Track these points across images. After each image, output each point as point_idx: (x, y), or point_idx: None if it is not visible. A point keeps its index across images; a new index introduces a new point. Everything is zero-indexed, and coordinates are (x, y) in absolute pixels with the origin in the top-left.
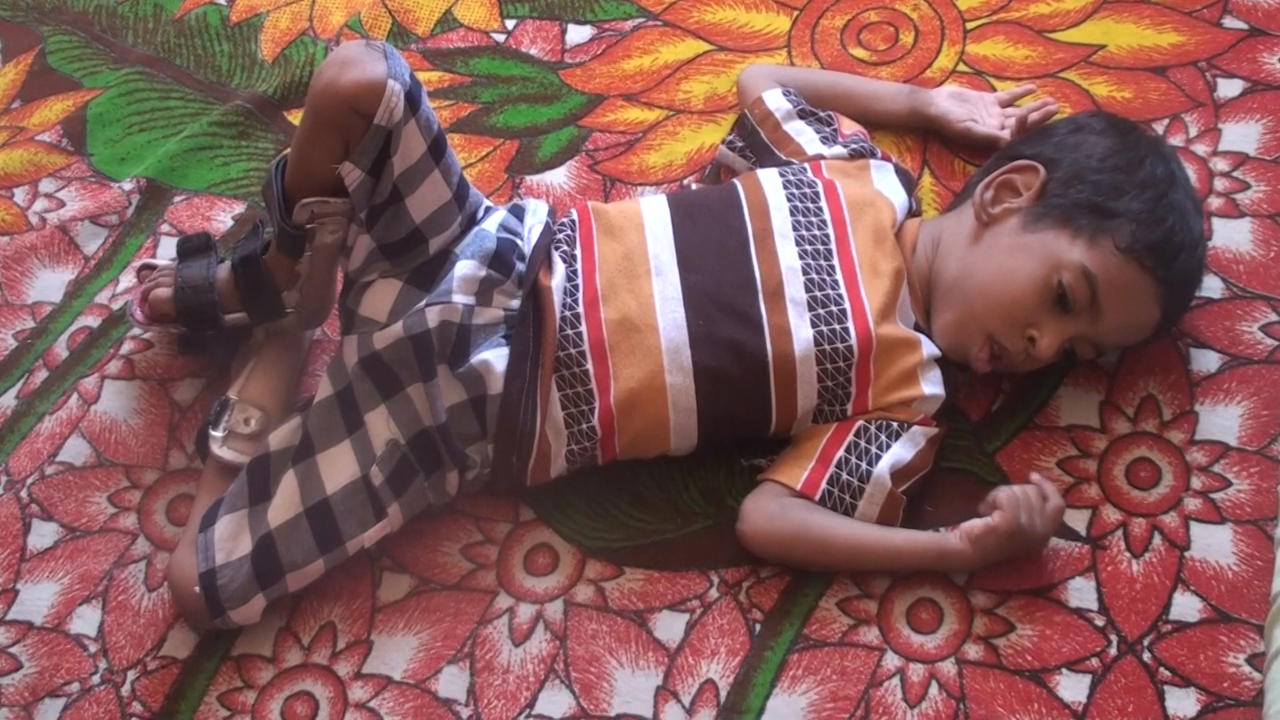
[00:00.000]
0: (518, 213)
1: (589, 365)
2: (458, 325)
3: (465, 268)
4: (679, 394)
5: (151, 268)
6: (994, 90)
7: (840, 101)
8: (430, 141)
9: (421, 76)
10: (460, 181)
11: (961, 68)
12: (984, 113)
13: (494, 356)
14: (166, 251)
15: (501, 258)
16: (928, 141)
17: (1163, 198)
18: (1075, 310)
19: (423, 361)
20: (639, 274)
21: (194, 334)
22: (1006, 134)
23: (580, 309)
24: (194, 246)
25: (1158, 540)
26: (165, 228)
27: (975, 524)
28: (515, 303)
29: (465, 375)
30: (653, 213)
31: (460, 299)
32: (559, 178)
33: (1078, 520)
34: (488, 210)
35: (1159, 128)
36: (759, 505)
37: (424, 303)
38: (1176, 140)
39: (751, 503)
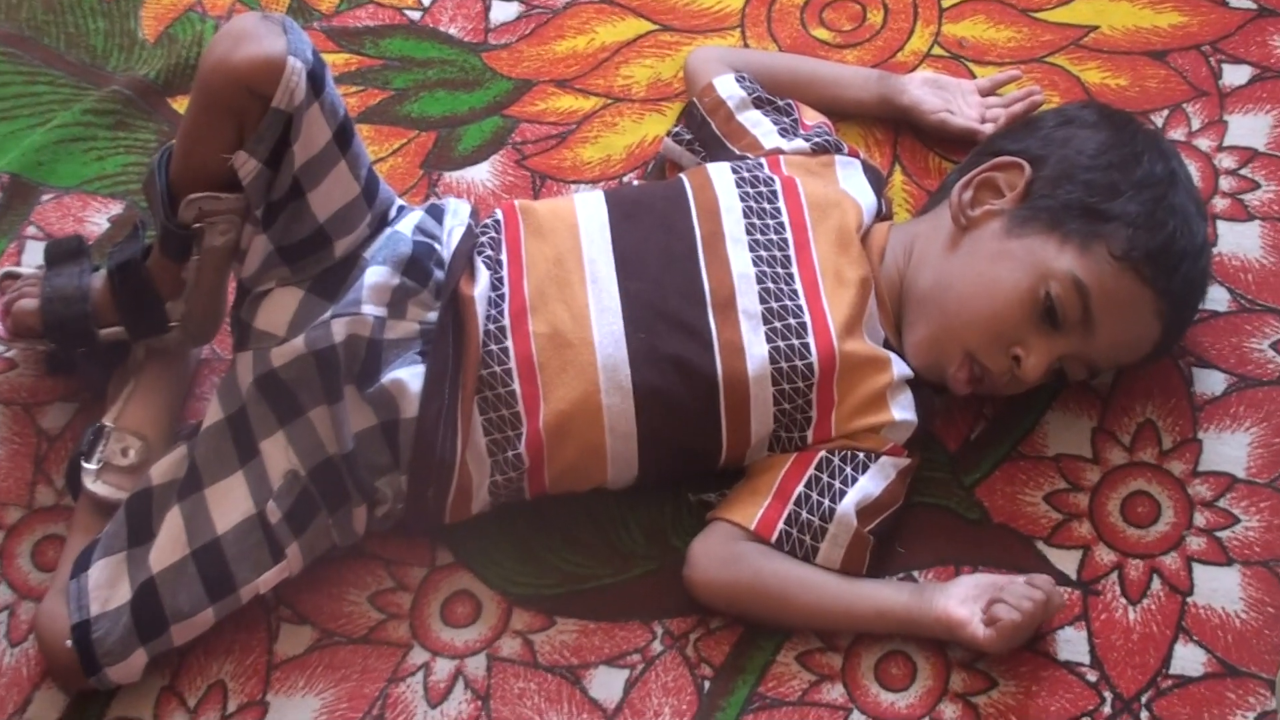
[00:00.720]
0: (436, 213)
1: (516, 385)
2: (368, 340)
3: (376, 274)
4: (617, 417)
5: (15, 276)
6: (973, 77)
7: (801, 89)
8: (336, 128)
9: (325, 59)
10: (369, 175)
11: (937, 51)
12: (962, 102)
13: (408, 375)
14: (33, 258)
15: (417, 264)
16: (899, 134)
17: (1162, 199)
18: (1065, 325)
19: (327, 381)
20: (572, 281)
21: (64, 352)
22: (988, 127)
23: (506, 321)
24: (64, 252)
25: (1157, 584)
26: (31, 230)
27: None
28: (433, 315)
29: (375, 397)
30: (588, 212)
31: (370, 310)
32: (482, 174)
33: (1067, 562)
34: (401, 210)
35: (1158, 120)
36: (708, 548)
37: (329, 314)
38: (1177, 134)
39: (700, 545)
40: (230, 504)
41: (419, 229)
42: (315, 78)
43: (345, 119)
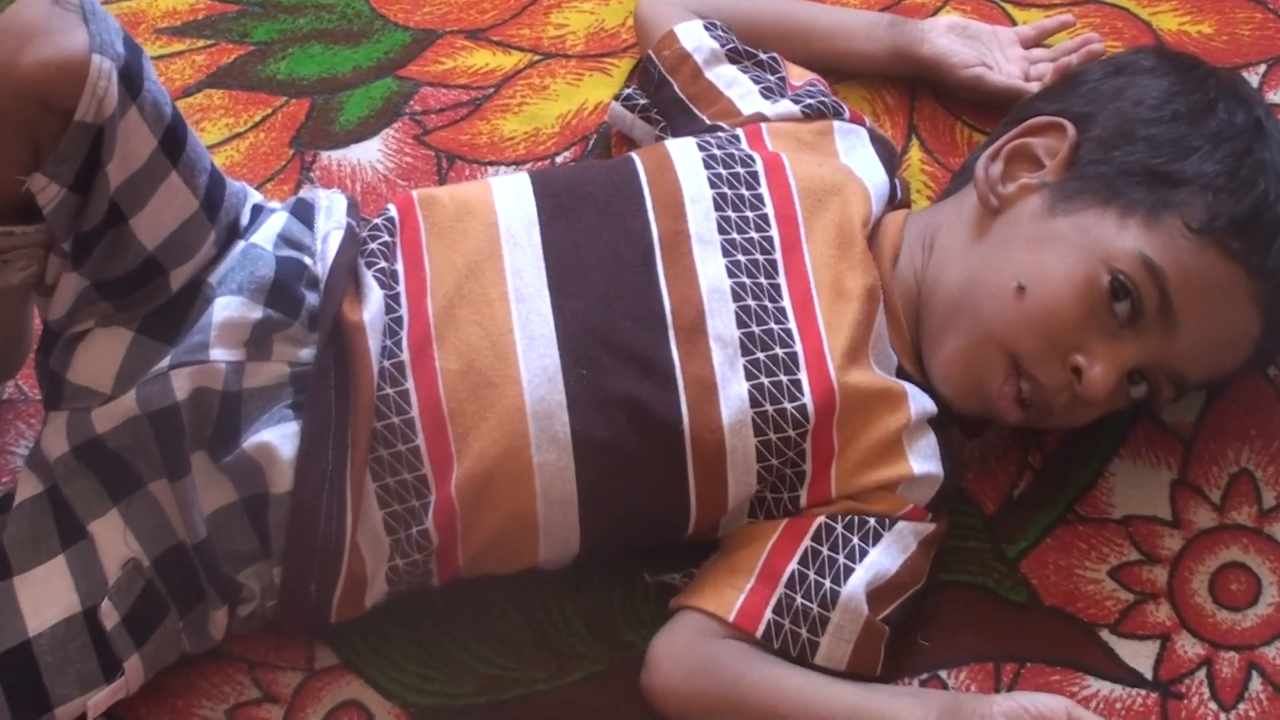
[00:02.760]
0: (304, 213)
1: (420, 440)
2: (220, 394)
3: (228, 307)
4: (551, 478)
5: None
6: (1013, 23)
7: (789, 39)
8: (162, 133)
9: (162, 4)
10: (211, 179)
11: None
12: (1000, 55)
13: (278, 437)
14: None
15: (283, 287)
16: (916, 98)
17: (1247, 154)
18: (1139, 321)
19: (168, 450)
20: (491, 299)
21: None
22: (1034, 87)
23: (405, 355)
24: None
25: (1257, 684)
26: None
27: None
28: (308, 352)
29: (235, 467)
30: (510, 205)
31: (222, 355)
32: (370, 154)
33: (1141, 656)
34: (258, 213)
35: (1252, 78)
36: (673, 648)
37: (167, 363)
38: (1276, 96)
39: (663, 644)
40: (47, 598)
41: (283, 239)
42: (130, 75)
43: (174, 118)
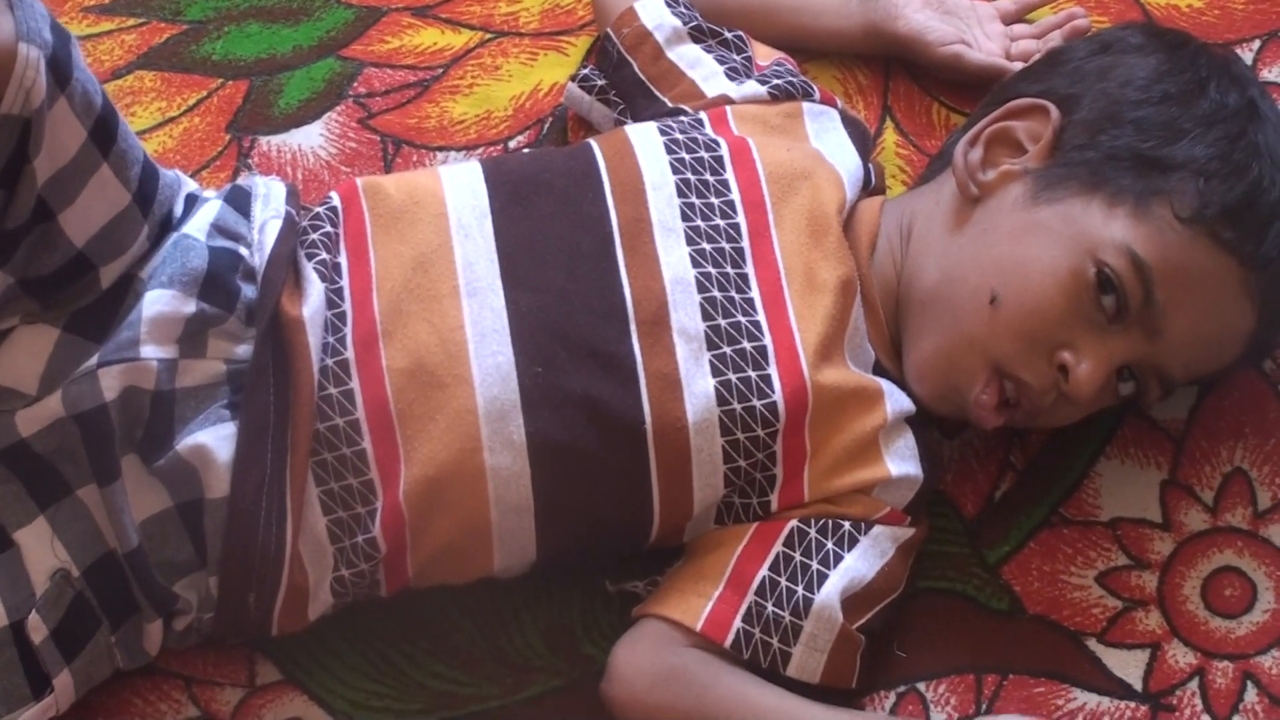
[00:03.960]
0: (239, 202)
1: (365, 443)
2: (152, 393)
3: (159, 301)
4: (506, 483)
5: None
6: None
7: (755, 16)
8: (92, 124)
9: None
10: (144, 171)
11: None
12: (979, 31)
13: (214, 438)
14: None
15: (217, 280)
16: (890, 78)
17: (1240, 138)
18: (1125, 316)
19: (97, 454)
20: (440, 293)
21: None
22: (1017, 66)
23: (349, 353)
24: None
25: (1252, 694)
26: None
27: None
28: (245, 348)
29: (168, 470)
30: (461, 193)
31: (153, 352)
32: (312, 139)
33: (1130, 666)
34: (192, 201)
35: (1245, 55)
36: (636, 658)
37: (95, 360)
38: (1271, 73)
39: (625, 653)
40: None
41: (216, 229)
42: (58, 63)
43: (105, 108)
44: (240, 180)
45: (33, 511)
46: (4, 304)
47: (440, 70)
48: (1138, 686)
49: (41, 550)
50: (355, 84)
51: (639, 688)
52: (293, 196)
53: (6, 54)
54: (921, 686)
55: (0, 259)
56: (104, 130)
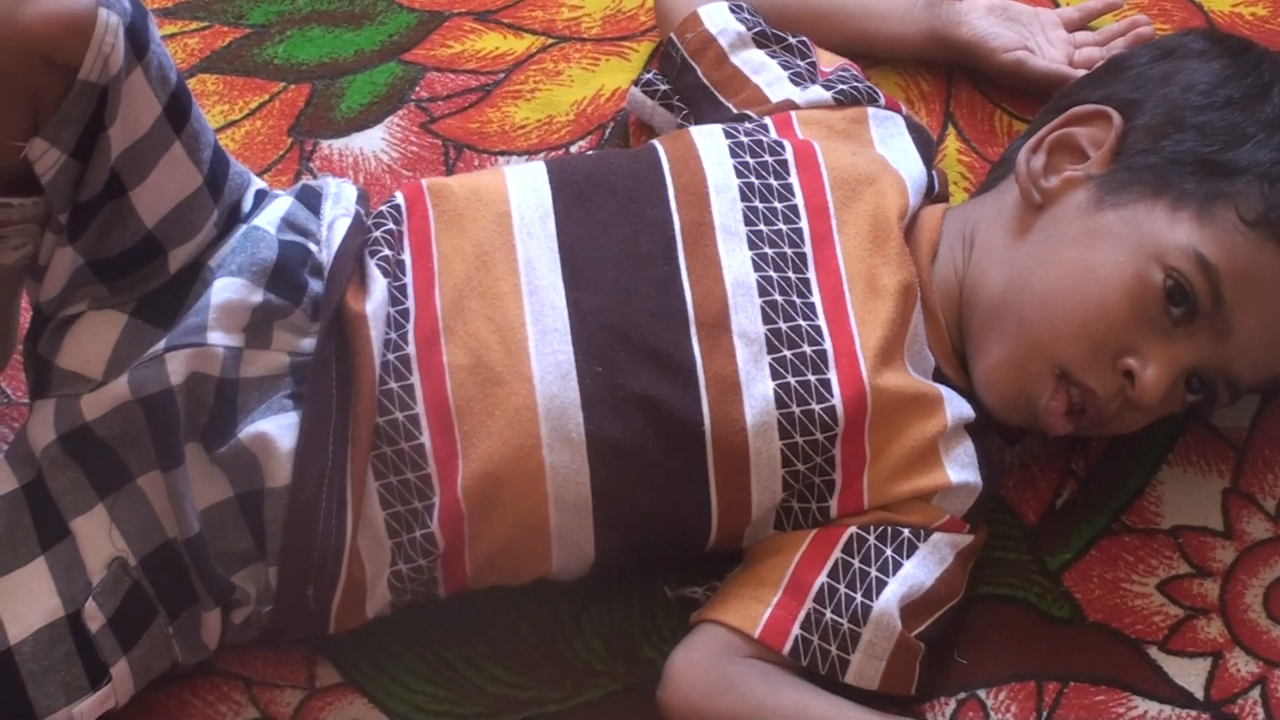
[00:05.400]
0: (310, 200)
1: (425, 437)
2: (217, 380)
3: (227, 289)
4: (564, 481)
5: None
6: (1055, 4)
7: (818, 22)
8: (167, 99)
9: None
10: (215, 156)
11: None
12: (1042, 38)
13: (276, 428)
14: None
15: (285, 272)
16: (953, 84)
17: None
18: (1194, 320)
19: (161, 438)
20: (502, 291)
21: None
22: (1078, 72)
23: (411, 349)
24: None
25: None
26: None
27: None
28: (309, 342)
29: (230, 459)
30: (524, 193)
31: (220, 339)
32: (374, 143)
33: (1191, 675)
34: (261, 198)
35: None
36: (693, 664)
37: (163, 345)
38: None
39: (682, 659)
40: (27, 603)
41: (286, 223)
42: (136, 33)
43: (179, 85)
44: (311, 180)
45: (92, 499)
46: (74, 288)
47: (502, 75)
48: (1199, 695)
49: (99, 539)
50: (417, 88)
51: (695, 696)
52: (363, 199)
53: (87, 17)
54: (982, 694)
55: (72, 234)
56: (178, 107)
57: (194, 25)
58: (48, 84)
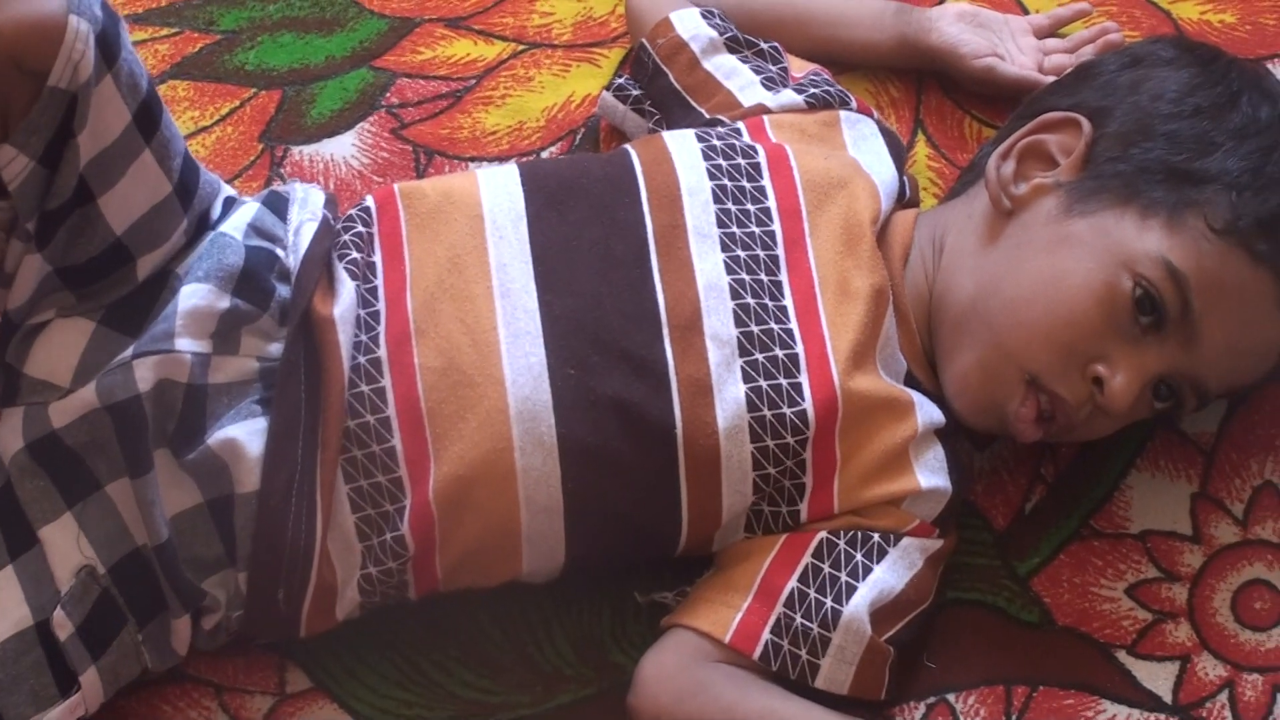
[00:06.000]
0: (276, 206)
1: (396, 440)
2: (185, 386)
3: (195, 295)
4: (536, 484)
5: None
6: (1025, 11)
7: (788, 27)
8: (136, 106)
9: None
10: (185, 164)
11: None
12: (1012, 45)
13: (245, 433)
14: None
15: (253, 278)
16: (923, 90)
17: (1273, 150)
18: (1162, 327)
19: (130, 445)
20: (474, 294)
21: None
22: (1048, 78)
23: (382, 351)
24: None
25: None
26: None
27: None
28: (277, 346)
29: (199, 465)
30: (497, 195)
31: (188, 345)
32: (345, 149)
33: (1159, 678)
34: (230, 204)
35: (1277, 70)
36: (663, 669)
37: (130, 352)
38: None
39: (652, 664)
40: None
41: (253, 229)
42: (107, 40)
43: (150, 93)
44: (279, 186)
45: (60, 508)
46: (42, 296)
47: (473, 81)
48: (1168, 699)
49: (67, 547)
50: (388, 94)
51: (665, 701)
52: (330, 204)
53: (56, 24)
54: (951, 698)
55: (40, 242)
56: (148, 115)
57: (165, 31)
58: (17, 90)
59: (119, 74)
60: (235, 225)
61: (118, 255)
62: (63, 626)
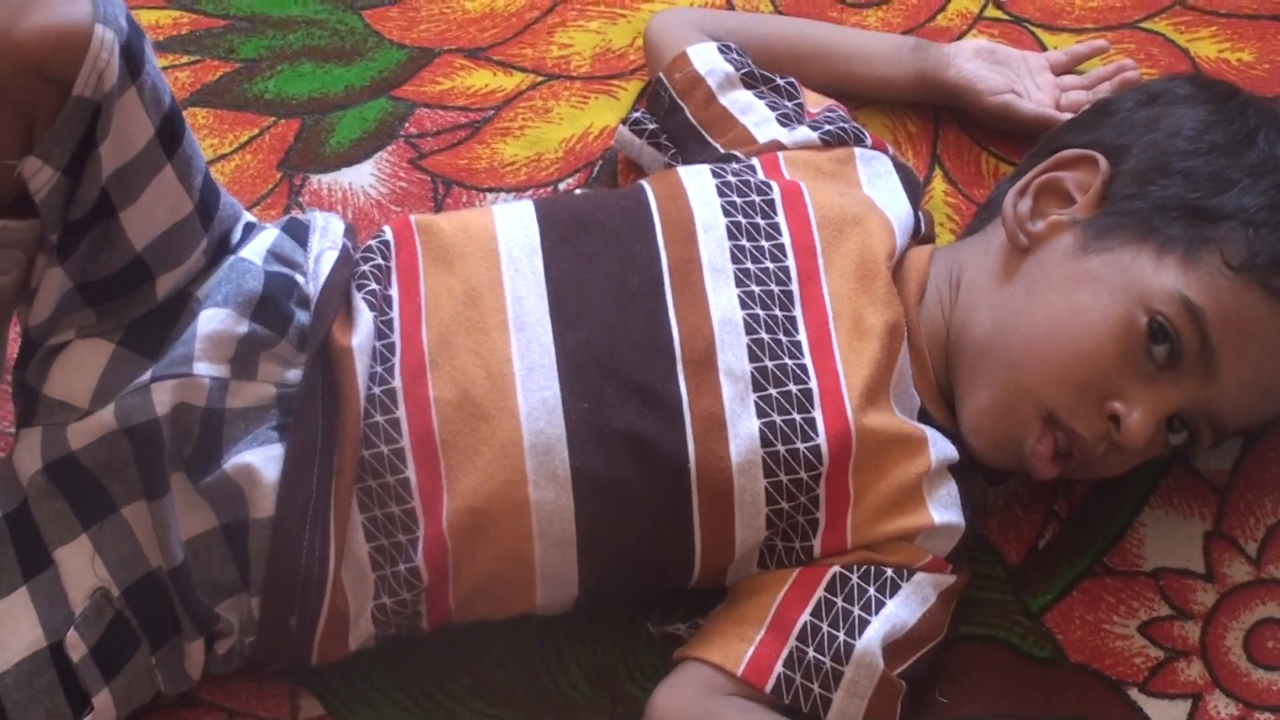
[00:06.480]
0: (296, 233)
1: (410, 471)
2: (203, 410)
3: (214, 320)
4: (549, 517)
5: None
6: (1043, 48)
7: (806, 64)
8: (159, 121)
9: (144, 18)
10: (205, 184)
11: (993, 13)
12: (1029, 82)
13: (261, 459)
14: None
15: (271, 304)
16: (940, 126)
17: None
18: (1178, 364)
19: (147, 468)
20: (489, 327)
21: None
22: (1065, 115)
23: (397, 383)
24: None
25: None
26: None
27: None
28: (295, 373)
29: (215, 489)
30: (512, 231)
31: (206, 369)
32: (363, 178)
33: (1170, 716)
34: (250, 229)
35: None
36: (674, 701)
37: (149, 376)
38: None
39: (665, 696)
40: (10, 633)
41: (273, 255)
42: (132, 53)
43: (172, 109)
44: (299, 214)
45: (75, 529)
46: (62, 313)
47: (491, 112)
48: None
49: (81, 569)
50: (407, 124)
51: None
52: (350, 233)
53: (83, 33)
54: None
55: (61, 254)
56: (171, 131)
57: (185, 59)
58: (42, 100)
59: (143, 87)
60: (255, 251)
61: (138, 272)
62: (76, 648)
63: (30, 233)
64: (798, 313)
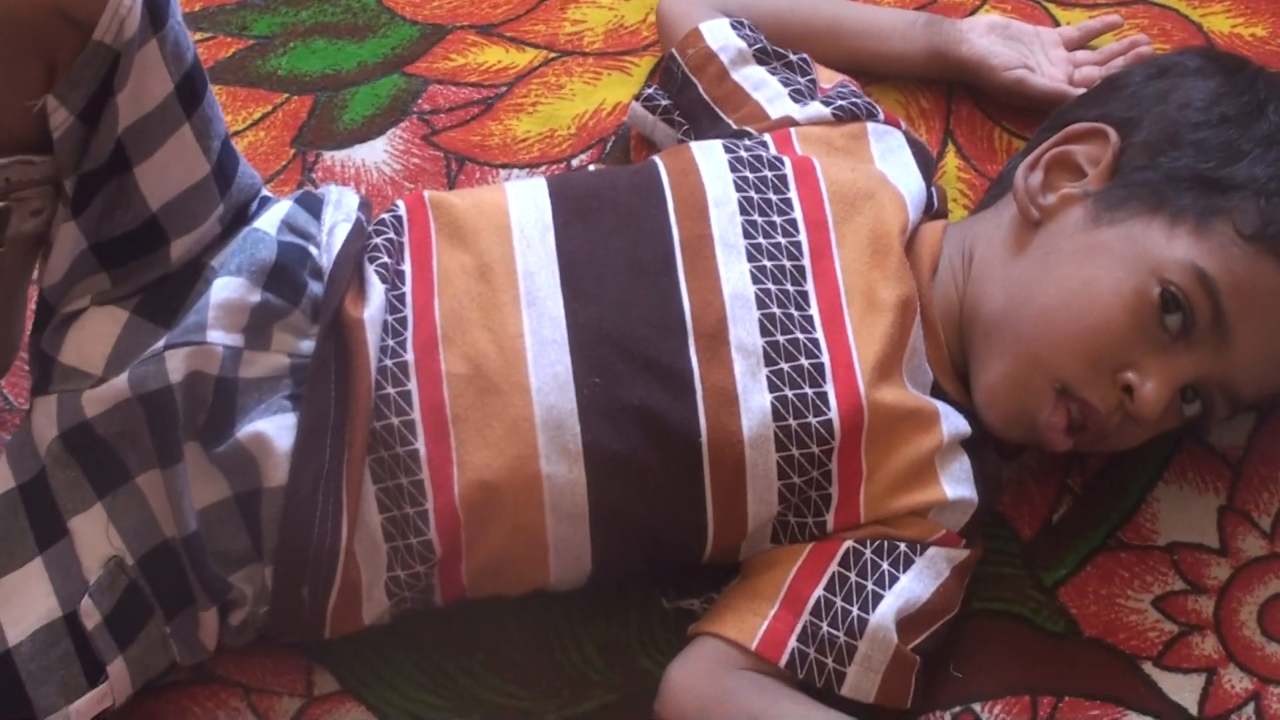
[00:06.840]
0: (311, 206)
1: (419, 444)
2: (216, 379)
3: (227, 288)
4: (561, 492)
5: None
6: (1056, 23)
7: (819, 40)
8: (180, 77)
9: None
10: (224, 149)
11: None
12: (1042, 57)
13: (274, 428)
14: None
15: (285, 273)
16: (953, 102)
17: None
18: (1192, 334)
19: (160, 436)
20: (501, 302)
21: None
22: (1078, 90)
23: (409, 356)
24: None
25: None
26: None
27: None
28: (308, 344)
29: (228, 458)
30: (525, 207)
31: (220, 338)
32: (376, 154)
33: (1185, 690)
34: (264, 201)
35: None
36: (690, 676)
37: (163, 343)
38: None
39: (679, 671)
40: (25, 603)
41: (287, 225)
42: (156, 5)
43: (194, 67)
44: (311, 187)
45: (90, 498)
46: (77, 276)
47: (504, 88)
48: (1193, 710)
49: (95, 537)
50: (419, 101)
51: (692, 709)
52: (365, 207)
53: None
54: (977, 707)
55: (77, 206)
56: (190, 88)
57: (198, 36)
58: (64, 42)
59: (165, 40)
60: (269, 221)
61: (152, 233)
62: (90, 616)
63: (52, 169)
64: (810, 287)
